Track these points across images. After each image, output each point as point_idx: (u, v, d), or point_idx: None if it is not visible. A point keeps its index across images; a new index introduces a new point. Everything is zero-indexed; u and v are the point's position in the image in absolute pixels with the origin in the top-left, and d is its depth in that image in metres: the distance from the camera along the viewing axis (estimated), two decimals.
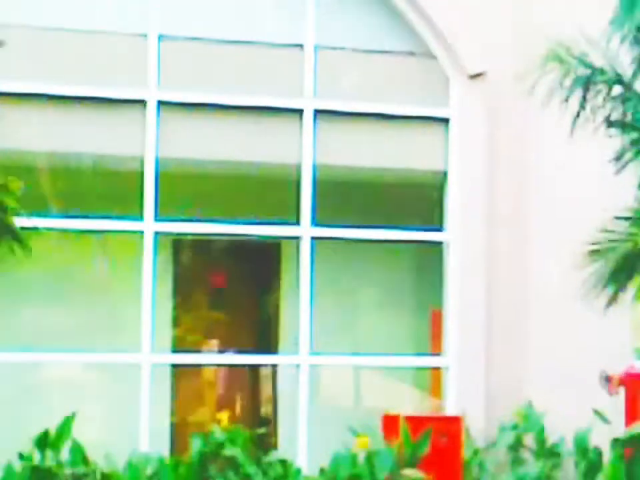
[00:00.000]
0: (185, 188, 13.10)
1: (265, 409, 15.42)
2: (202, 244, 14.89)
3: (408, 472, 11.80)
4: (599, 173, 11.44)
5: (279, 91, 12.84)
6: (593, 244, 10.03)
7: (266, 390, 15.38)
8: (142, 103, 12.17)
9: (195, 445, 11.63)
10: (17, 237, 8.37)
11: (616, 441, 12.40)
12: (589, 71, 9.92)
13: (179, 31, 12.56)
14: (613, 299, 10.11)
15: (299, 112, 12.74)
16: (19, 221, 8.36)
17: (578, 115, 9.91)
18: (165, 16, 12.47)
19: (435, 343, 13.89)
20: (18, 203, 8.28)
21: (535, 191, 13.16)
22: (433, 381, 14.08)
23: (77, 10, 12.16)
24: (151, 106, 12.13)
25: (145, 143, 12.27)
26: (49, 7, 12.07)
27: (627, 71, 10.13)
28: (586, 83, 9.91)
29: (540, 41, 10.37)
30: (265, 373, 15.33)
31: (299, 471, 11.96)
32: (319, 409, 13.53)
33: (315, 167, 12.77)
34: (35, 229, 9.04)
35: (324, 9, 12.98)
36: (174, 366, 13.90)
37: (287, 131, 12.93)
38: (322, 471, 11.83)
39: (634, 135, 10.25)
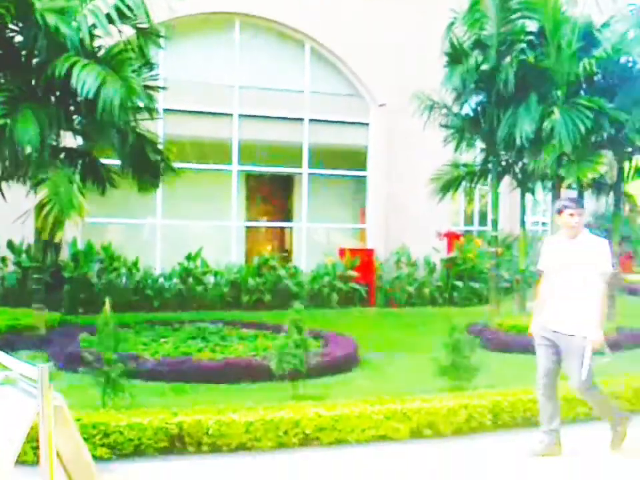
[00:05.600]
0: (253, 151, 16.22)
1: (287, 246, 18.07)
2: (260, 176, 17.61)
3: (349, 272, 15.26)
4: (439, 147, 13.38)
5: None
6: (434, 176, 13.49)
7: (288, 238, 18.20)
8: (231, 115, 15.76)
9: (255, 261, 15.28)
10: (175, 171, 11.38)
11: (442, 260, 16.33)
12: (431, 102, 12.86)
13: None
14: (441, 198, 13.48)
15: (302, 120, 16.40)
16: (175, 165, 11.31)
17: (427, 121, 12.83)
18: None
19: (362, 219, 17.44)
20: (174, 158, 11.28)
21: (411, 155, 16.54)
22: (362, 235, 17.52)
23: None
24: (235, 117, 15.76)
25: (232, 132, 15.78)
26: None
27: (449, 103, 12.71)
28: (431, 108, 12.86)
29: (413, 85, 13.14)
30: (288, 231, 18.22)
31: (301, 271, 15.44)
32: (312, 246, 16.80)
33: (309, 146, 16.46)
34: (181, 169, 11.62)
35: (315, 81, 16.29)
36: (247, 227, 17.25)
37: (295, 129, 16.42)
38: (312, 271, 15.48)
39: (450, 131, 12.96)
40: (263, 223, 18.09)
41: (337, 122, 16.79)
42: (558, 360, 5.80)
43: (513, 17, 11.65)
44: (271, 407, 6.11)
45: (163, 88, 11.45)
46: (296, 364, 7.00)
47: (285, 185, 18.15)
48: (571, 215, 5.80)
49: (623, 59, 11.27)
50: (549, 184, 11.98)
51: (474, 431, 6.39)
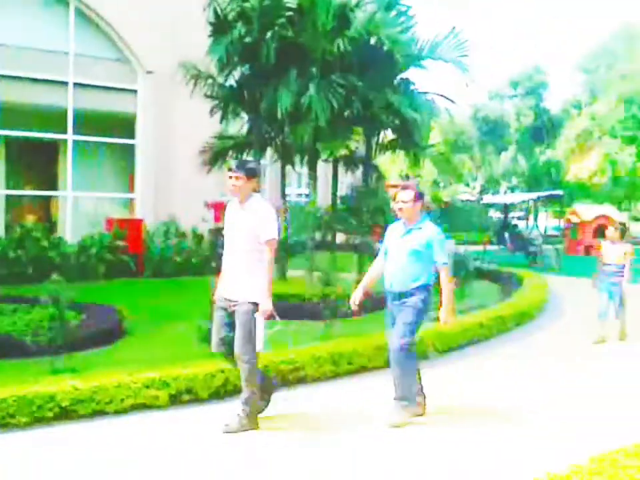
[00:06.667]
0: (13, 114, 15.46)
1: (52, 216, 17.70)
2: (22, 141, 17.14)
3: (117, 243, 14.68)
4: (208, 117, 13.11)
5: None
6: (203, 148, 13.77)
7: (53, 208, 17.80)
8: None
9: (16, 231, 14.28)
10: None
11: (209, 230, 16.19)
12: (197, 72, 12.70)
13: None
14: (209, 170, 13.63)
15: (66, 83, 15.91)
16: None
17: (193, 90, 12.81)
18: None
19: (131, 188, 17.30)
20: None
21: (181, 124, 16.69)
22: (131, 205, 17.33)
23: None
24: None
25: None
26: None
27: (214, 73, 12.55)
28: (196, 77, 12.80)
29: (183, 54, 13.01)
30: (53, 200, 17.83)
31: (66, 242, 14.75)
32: (79, 216, 16.44)
33: (74, 111, 15.83)
34: None
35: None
36: (7, 196, 16.84)
37: (58, 93, 15.90)
38: (78, 242, 14.70)
39: (215, 101, 12.96)
40: (25, 192, 17.31)
41: (103, 87, 16.41)
42: (232, 326, 5.68)
43: None
44: (25, 382, 5.96)
45: None
46: (53, 337, 6.83)
47: (49, 151, 17.41)
48: (230, 177, 5.65)
49: (373, 40, 11.80)
50: (306, 157, 12.33)
51: (230, 394, 6.60)
